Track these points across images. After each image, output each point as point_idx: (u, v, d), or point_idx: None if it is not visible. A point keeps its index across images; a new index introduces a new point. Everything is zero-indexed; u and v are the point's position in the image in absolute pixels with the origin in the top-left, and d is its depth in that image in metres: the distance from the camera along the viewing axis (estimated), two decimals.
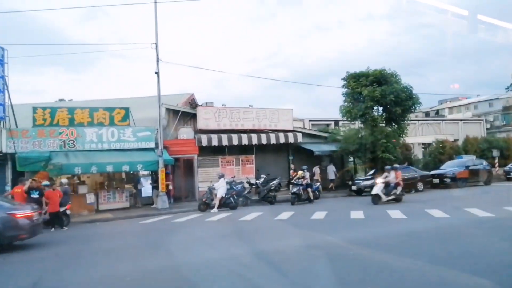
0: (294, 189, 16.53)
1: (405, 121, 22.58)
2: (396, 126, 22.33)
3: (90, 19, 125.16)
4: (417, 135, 36.87)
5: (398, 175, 15.63)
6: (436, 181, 21.59)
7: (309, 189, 16.75)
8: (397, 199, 15.35)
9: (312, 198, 16.74)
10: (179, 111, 20.07)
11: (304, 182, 16.82)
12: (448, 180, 21.16)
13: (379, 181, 15.38)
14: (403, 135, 22.67)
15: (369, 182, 19.30)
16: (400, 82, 21.35)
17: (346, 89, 22.14)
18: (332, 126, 43.03)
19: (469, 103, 67.86)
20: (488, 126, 61.67)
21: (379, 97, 20.49)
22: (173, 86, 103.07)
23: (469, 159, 22.89)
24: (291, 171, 21.95)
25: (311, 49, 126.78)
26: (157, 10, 16.88)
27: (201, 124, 19.99)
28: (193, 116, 20.22)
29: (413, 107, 21.65)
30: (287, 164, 23.06)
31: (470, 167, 21.85)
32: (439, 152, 27.10)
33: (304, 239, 8.85)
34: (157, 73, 16.38)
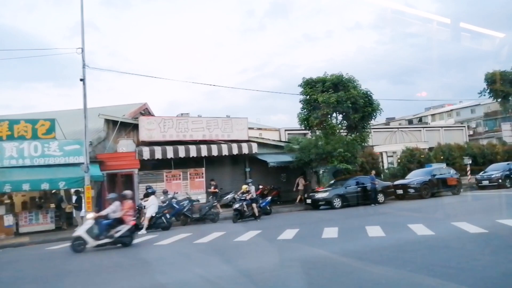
0: (236, 205, 15.03)
1: (366, 129, 21.32)
2: (357, 134, 21.11)
3: (79, 34, 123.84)
4: (392, 143, 35.73)
5: (126, 206, 10.87)
6: (400, 191, 20.26)
7: (254, 205, 15.26)
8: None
9: (257, 215, 15.24)
10: (119, 122, 18.54)
11: (249, 197, 15.35)
12: (412, 190, 19.83)
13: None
14: (364, 143, 21.40)
15: (324, 195, 17.90)
16: (358, 87, 20.15)
17: (303, 96, 20.90)
18: (309, 135, 42.08)
19: (451, 110, 67.38)
20: (471, 132, 61.01)
21: (335, 104, 19.25)
22: (162, 98, 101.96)
23: (435, 168, 21.64)
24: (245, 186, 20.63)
25: (301, 59, 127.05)
26: (84, 15, 15.43)
27: (144, 135, 18.49)
28: (137, 127, 18.73)
29: (373, 114, 20.40)
30: (244, 177, 21.60)
31: (437, 176, 20.58)
32: (408, 161, 25.87)
33: (205, 269, 7.35)
34: (82, 80, 14.89)
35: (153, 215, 13.98)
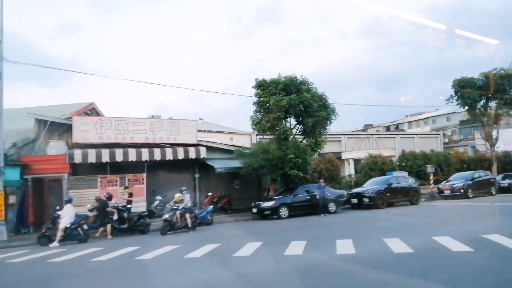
0: (166, 216, 13.68)
1: (322, 134, 20.28)
2: (312, 139, 20.07)
3: (64, 35, 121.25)
4: (361, 150, 34.91)
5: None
6: (355, 201, 19.27)
7: (187, 215, 13.95)
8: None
9: (190, 226, 13.93)
10: (50, 122, 17.05)
11: (181, 206, 14.04)
12: (366, 199, 18.85)
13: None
14: (319, 149, 20.36)
15: (269, 204, 16.73)
16: (311, 90, 19.11)
17: (256, 98, 19.75)
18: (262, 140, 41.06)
19: (428, 118, 67.43)
20: (446, 140, 61.01)
21: (287, 107, 18.14)
22: (149, 101, 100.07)
23: (392, 177, 20.73)
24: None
25: (287, 65, 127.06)
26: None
27: (78, 137, 17.04)
28: (72, 128, 17.25)
29: (329, 118, 19.36)
30: (193, 184, 20.32)
31: (393, 185, 19.67)
32: (370, 168, 24.98)
33: None
34: None
35: (68, 225, 12.54)
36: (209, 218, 15.93)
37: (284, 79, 18.98)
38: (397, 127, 73.77)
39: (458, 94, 28.59)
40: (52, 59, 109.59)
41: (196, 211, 15.44)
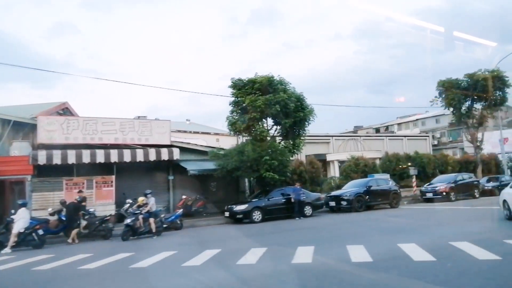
0: (128, 220, 13.02)
1: (300, 135, 19.76)
2: (290, 141, 19.54)
3: (58, 35, 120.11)
4: (347, 151, 34.43)
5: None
6: (333, 204, 18.73)
7: (151, 220, 13.29)
8: None
9: (154, 231, 13.27)
10: (14, 121, 16.32)
11: (145, 211, 13.39)
12: (344, 203, 18.32)
13: None
14: (297, 151, 19.82)
15: (242, 207, 16.12)
16: (289, 91, 18.56)
17: (233, 98, 19.17)
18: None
19: (417, 119, 67.24)
20: (436, 142, 60.87)
21: (262, 107, 17.57)
22: (143, 102, 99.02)
23: (372, 179, 20.25)
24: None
25: (282, 67, 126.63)
26: None
27: (43, 137, 16.34)
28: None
29: (306, 119, 18.83)
30: (166, 186, 19.68)
31: (373, 188, 19.16)
32: (352, 170, 24.49)
33: None
34: None
35: (21, 231, 11.84)
36: (178, 222, 15.31)
37: (260, 78, 18.40)
38: (387, 128, 73.55)
39: (443, 96, 28.29)
40: (46, 60, 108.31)
41: (163, 215, 14.76)
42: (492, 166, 32.34)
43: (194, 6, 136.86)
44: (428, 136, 52.42)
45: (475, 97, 28.43)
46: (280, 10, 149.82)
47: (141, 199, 13.63)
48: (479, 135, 29.34)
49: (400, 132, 65.15)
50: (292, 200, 16.66)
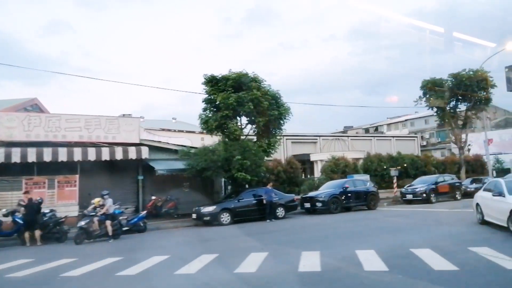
0: (82, 223, 12.27)
1: (276, 135, 19.13)
2: (265, 140, 18.90)
3: (53, 33, 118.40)
4: (331, 151, 33.88)
5: None
6: (308, 205, 18.12)
7: (107, 222, 12.55)
8: None
9: (110, 234, 12.53)
10: None
11: (101, 213, 12.64)
12: (319, 204, 17.71)
13: None
14: (272, 151, 19.19)
15: (209, 209, 15.43)
16: (263, 88, 17.91)
17: (206, 95, 18.47)
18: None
19: (406, 120, 66.98)
20: (425, 143, 60.63)
21: (234, 105, 16.89)
22: (138, 101, 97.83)
23: (349, 180, 19.69)
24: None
25: (278, 67, 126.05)
26: None
27: (2, 134, 15.52)
28: None
29: (281, 118, 18.19)
30: (136, 187, 18.93)
31: (349, 189, 18.58)
32: (332, 171, 23.91)
33: None
34: None
35: None
36: (142, 224, 14.58)
37: (234, 75, 17.73)
38: (376, 129, 73.27)
39: (426, 96, 27.84)
40: (40, 58, 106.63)
41: (125, 217, 14.01)
42: (478, 167, 32.02)
43: (189, 5, 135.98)
44: (416, 136, 52.09)
45: (460, 97, 28.08)
46: (275, 10, 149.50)
47: (96, 200, 12.87)
48: (464, 136, 28.95)
49: (389, 132, 64.86)
50: (264, 201, 16.01)
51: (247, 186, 17.43)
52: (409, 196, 21.62)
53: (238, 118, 18.28)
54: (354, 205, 18.73)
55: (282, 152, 37.18)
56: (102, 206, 12.76)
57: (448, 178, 23.19)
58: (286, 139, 40.80)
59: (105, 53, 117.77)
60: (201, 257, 8.54)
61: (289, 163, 22.73)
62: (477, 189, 24.04)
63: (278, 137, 19.36)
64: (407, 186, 22.64)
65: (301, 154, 36.89)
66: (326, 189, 18.94)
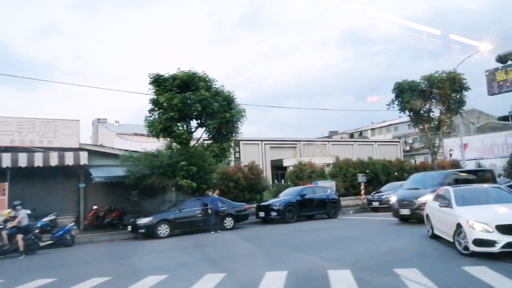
0: None
1: (230, 139, 17.92)
2: (217, 145, 17.67)
3: (44, 37, 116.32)
4: (304, 157, 32.74)
5: None
6: (262, 214, 16.89)
7: (19, 236, 11.16)
8: None
9: (22, 249, 11.14)
10: None
11: (11, 225, 11.25)
12: (274, 213, 16.48)
13: None
14: (226, 157, 17.96)
15: (145, 221, 14.08)
16: (213, 89, 16.69)
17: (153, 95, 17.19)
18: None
19: (390, 125, 66.35)
20: (408, 148, 59.89)
21: (179, 106, 15.64)
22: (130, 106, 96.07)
23: (307, 187, 18.52)
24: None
25: (270, 71, 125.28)
26: None
27: None
28: None
29: (234, 121, 16.97)
30: (77, 195, 17.53)
31: (307, 197, 17.39)
32: (297, 177, 22.73)
33: None
34: None
35: None
36: (68, 238, 13.18)
37: (181, 74, 16.49)
38: (360, 134, 72.60)
39: (398, 99, 26.85)
40: (30, 62, 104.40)
41: (34, 230, 12.55)
42: None
43: (181, 9, 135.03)
44: (399, 141, 51.32)
45: (434, 100, 27.20)
46: (267, 15, 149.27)
47: (6, 211, 11.53)
48: (438, 140, 28.03)
49: (373, 137, 64.17)
50: (209, 211, 14.71)
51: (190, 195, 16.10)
52: (375, 204, 20.50)
53: (186, 120, 16.97)
54: (312, 214, 17.53)
55: (261, 158, 36.03)
56: (13, 218, 11.37)
57: None
58: (265, 144, 39.73)
59: (97, 57, 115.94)
60: (91, 280, 7.24)
61: (251, 169, 21.48)
62: None
63: (233, 141, 18.11)
64: (374, 193, 21.55)
65: (278, 159, 35.82)
66: (284, 196, 17.74)
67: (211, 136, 17.88)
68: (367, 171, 25.10)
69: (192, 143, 17.55)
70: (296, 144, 41.08)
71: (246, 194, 20.24)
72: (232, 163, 29.63)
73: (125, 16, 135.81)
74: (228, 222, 15.25)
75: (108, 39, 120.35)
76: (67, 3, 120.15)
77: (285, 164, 32.37)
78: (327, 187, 18.93)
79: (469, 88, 26.52)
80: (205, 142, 18.46)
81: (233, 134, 17.90)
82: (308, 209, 17.26)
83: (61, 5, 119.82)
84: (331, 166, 26.13)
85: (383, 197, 20.36)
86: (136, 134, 39.24)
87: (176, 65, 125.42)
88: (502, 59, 12.50)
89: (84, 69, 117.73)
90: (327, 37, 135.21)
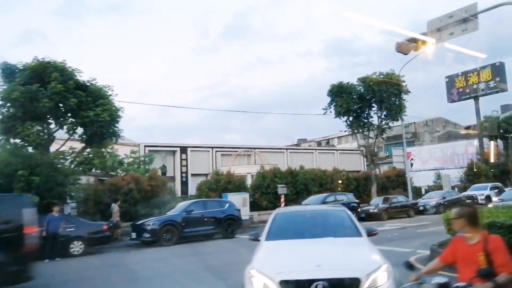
0: None
1: (105, 143, 14.96)
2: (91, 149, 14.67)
3: (27, 43, 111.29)
4: (241, 165, 29.91)
5: None
6: (134, 235, 13.89)
7: None
8: None
9: None
10: None
11: None
12: (147, 234, 13.48)
13: None
14: (92, 164, 14.97)
15: None
16: (72, 81, 13.71)
17: None
18: (178, 153, 35.57)
19: (356, 133, 64.33)
20: (374, 157, 57.77)
21: (22, 101, 12.61)
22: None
23: (197, 201, 15.63)
24: None
25: (255, 80, 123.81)
26: None
27: None
28: None
29: (105, 121, 13.98)
30: None
31: (194, 213, 14.46)
32: (209, 188, 19.83)
33: None
34: None
35: None
36: None
37: (34, 63, 13.47)
38: (328, 142, 70.52)
39: (333, 103, 24.41)
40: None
41: None
42: (400, 184, 28.74)
43: (166, 18, 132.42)
44: (363, 150, 48.99)
45: (374, 104, 24.90)
46: (252, 25, 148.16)
47: None
48: (376, 148, 25.72)
49: (340, 146, 62.10)
50: (44, 234, 11.59)
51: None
52: None
53: (39, 119, 13.89)
54: (201, 233, 14.58)
55: (210, 166, 33.01)
56: None
57: (344, 197, 19.59)
58: (216, 151, 36.77)
59: (79, 64, 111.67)
60: None
61: (151, 178, 18.46)
62: (381, 210, 20.68)
63: (109, 146, 15.17)
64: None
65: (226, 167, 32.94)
66: (173, 212, 14.78)
67: (85, 139, 14.89)
68: (297, 181, 22.49)
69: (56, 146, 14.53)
70: (251, 151, 38.33)
71: (140, 209, 17.22)
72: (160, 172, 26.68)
73: (109, 24, 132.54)
74: (76, 246, 12.16)
75: (92, 47, 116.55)
76: (51, 9, 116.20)
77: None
78: (226, 201, 15.99)
79: (409, 92, 24.38)
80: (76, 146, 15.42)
81: (112, 138, 14.94)
82: (194, 228, 14.30)
83: (45, 11, 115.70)
84: (254, 176, 23.34)
85: None
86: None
87: (161, 73, 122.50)
88: (401, 47, 9.86)
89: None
90: (312, 47, 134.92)
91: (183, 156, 35.59)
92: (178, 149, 35.60)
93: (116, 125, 14.70)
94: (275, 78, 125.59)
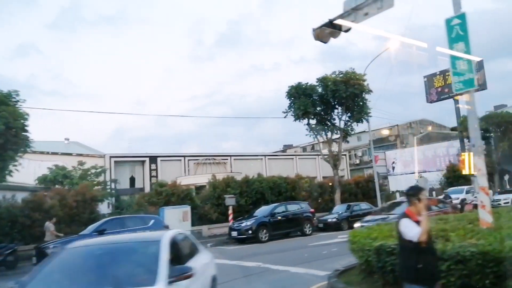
0: None
1: (11, 155, 13.23)
2: None
3: (22, 56, 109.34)
4: (202, 174, 28.22)
5: None
6: (34, 260, 12.09)
7: None
8: None
9: None
10: None
11: None
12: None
13: None
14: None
15: None
16: None
17: None
18: (147, 163, 34.04)
19: (339, 137, 62.88)
20: (358, 161, 56.41)
21: None
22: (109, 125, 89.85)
23: (111, 219, 13.85)
24: None
25: (250, 88, 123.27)
26: None
27: None
28: None
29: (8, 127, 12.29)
30: None
31: (106, 233, 12.68)
32: (150, 202, 18.12)
33: None
34: None
35: None
36: None
37: None
38: (313, 147, 68.96)
39: (292, 105, 22.83)
40: (8, 81, 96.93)
41: None
42: (370, 190, 27.10)
43: (160, 28, 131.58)
44: (344, 155, 47.38)
45: (337, 105, 23.37)
46: (246, 33, 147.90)
47: None
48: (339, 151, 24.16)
49: (324, 151, 60.40)
50: None
51: None
52: (234, 234, 16.14)
53: None
54: None
55: (182, 175, 31.37)
56: None
57: (295, 207, 17.85)
58: (189, 160, 35.17)
59: (75, 76, 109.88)
60: None
61: (78, 193, 16.69)
62: (340, 220, 19.10)
63: (18, 156, 13.43)
64: (238, 220, 17.17)
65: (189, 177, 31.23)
66: (87, 231, 13.00)
67: None
68: (253, 190, 20.80)
69: None
70: (227, 159, 36.73)
71: (63, 227, 15.47)
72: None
73: (103, 35, 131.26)
74: None
75: (86, 58, 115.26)
76: (45, 24, 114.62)
77: (183, 182, 27.72)
78: (151, 217, 14.15)
79: (371, 91, 22.84)
80: None
81: (16, 149, 13.23)
82: None
83: (39, 25, 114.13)
84: (206, 187, 21.65)
85: (242, 225, 16.03)
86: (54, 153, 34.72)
87: (157, 83, 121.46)
88: (319, 35, 8.18)
89: (63, 88, 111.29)
90: (306, 53, 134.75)
91: (153, 166, 34.12)
92: (147, 159, 34.15)
93: (24, 133, 12.99)
94: (270, 85, 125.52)
